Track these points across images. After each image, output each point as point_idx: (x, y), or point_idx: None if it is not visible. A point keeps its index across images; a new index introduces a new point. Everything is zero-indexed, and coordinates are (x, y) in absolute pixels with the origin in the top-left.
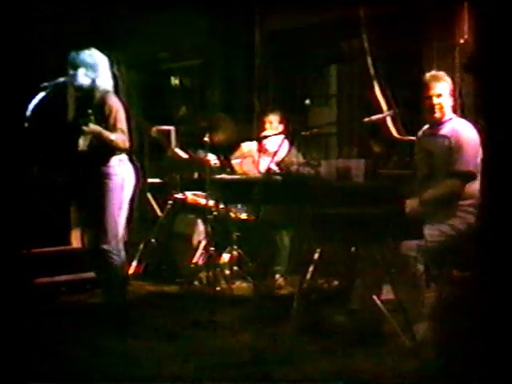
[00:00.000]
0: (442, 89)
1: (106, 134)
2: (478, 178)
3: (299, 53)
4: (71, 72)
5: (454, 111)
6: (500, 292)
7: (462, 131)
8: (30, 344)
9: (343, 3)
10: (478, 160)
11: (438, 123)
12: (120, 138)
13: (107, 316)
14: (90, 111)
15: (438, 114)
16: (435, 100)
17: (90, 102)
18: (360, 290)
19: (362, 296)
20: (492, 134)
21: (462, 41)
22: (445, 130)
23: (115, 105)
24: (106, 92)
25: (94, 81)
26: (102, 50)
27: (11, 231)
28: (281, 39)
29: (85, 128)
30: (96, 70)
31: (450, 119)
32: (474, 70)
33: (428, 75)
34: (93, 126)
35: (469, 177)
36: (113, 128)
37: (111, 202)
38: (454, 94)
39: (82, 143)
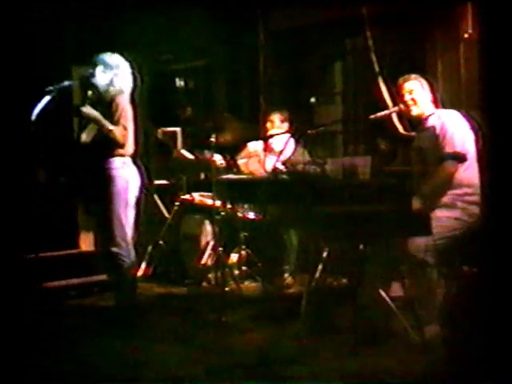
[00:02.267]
0: (412, 86)
1: (105, 122)
2: (475, 166)
3: (303, 51)
4: (90, 70)
5: (438, 106)
6: (507, 288)
7: (445, 118)
8: (39, 347)
9: (346, 1)
10: (467, 144)
11: (423, 119)
12: (119, 131)
13: (117, 318)
14: (89, 93)
15: (414, 111)
16: (407, 96)
17: (103, 101)
18: (369, 287)
19: (371, 294)
20: (494, 126)
21: (465, 36)
22: (429, 123)
23: (122, 103)
24: (120, 92)
25: (111, 80)
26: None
27: (19, 235)
28: (285, 38)
29: (82, 108)
30: (114, 70)
31: (433, 113)
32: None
33: (400, 79)
34: (90, 109)
35: (457, 158)
36: (116, 122)
37: (117, 204)
38: (433, 91)
39: (85, 137)
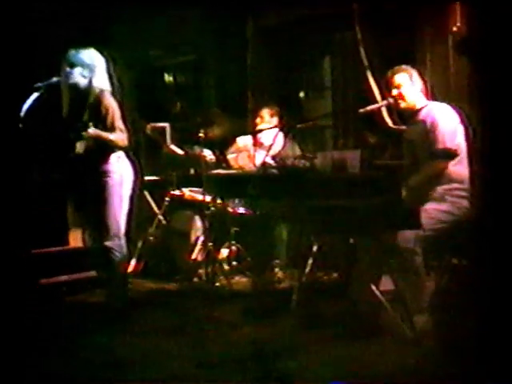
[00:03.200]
0: (400, 79)
1: (105, 135)
2: (465, 161)
3: (292, 46)
4: (67, 70)
5: (428, 98)
6: (498, 281)
7: (436, 113)
8: (31, 344)
9: None
10: (457, 139)
11: (415, 111)
12: (119, 137)
13: (108, 315)
14: (89, 123)
15: (402, 104)
16: (394, 91)
17: (85, 101)
18: (359, 281)
19: (361, 287)
20: (485, 121)
21: (454, 29)
22: (420, 116)
23: (111, 104)
24: (101, 91)
25: (90, 80)
26: (95, 48)
27: (10, 232)
28: (274, 33)
29: (84, 134)
30: (93, 69)
31: (425, 106)
32: (466, 53)
33: (389, 71)
34: (92, 131)
35: (448, 155)
36: (111, 127)
37: (111, 199)
38: (424, 83)
39: (79, 146)
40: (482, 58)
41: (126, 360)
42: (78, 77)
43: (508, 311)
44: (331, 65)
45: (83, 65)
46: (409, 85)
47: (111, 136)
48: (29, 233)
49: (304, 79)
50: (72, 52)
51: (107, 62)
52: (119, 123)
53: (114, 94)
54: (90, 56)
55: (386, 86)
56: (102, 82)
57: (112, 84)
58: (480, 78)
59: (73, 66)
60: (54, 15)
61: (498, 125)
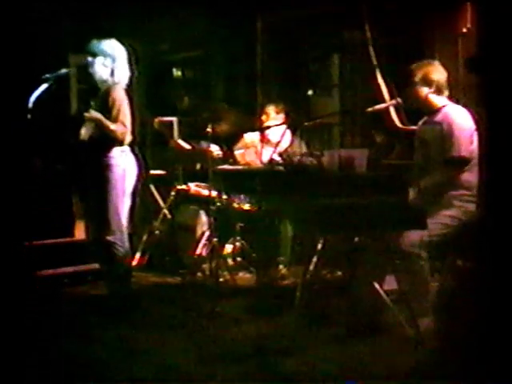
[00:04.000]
0: (422, 75)
1: (106, 122)
2: (475, 166)
3: (301, 43)
4: (89, 59)
5: (450, 98)
6: (503, 283)
7: (454, 117)
8: (32, 336)
9: None
10: (473, 146)
11: (433, 111)
12: (120, 129)
13: (110, 307)
14: (92, 103)
15: (420, 102)
16: (412, 88)
17: (97, 91)
18: (363, 280)
19: (365, 286)
20: (493, 124)
21: (464, 30)
22: (438, 117)
23: (119, 97)
24: (115, 84)
25: (111, 71)
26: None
27: (14, 223)
28: (282, 30)
29: (86, 114)
30: (114, 59)
31: (444, 106)
32: (476, 69)
33: (413, 65)
34: (94, 113)
35: (462, 163)
36: (115, 119)
37: (113, 193)
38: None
39: (84, 133)
40: (492, 77)
41: (127, 352)
42: (100, 66)
43: (510, 312)
44: (340, 63)
45: (105, 55)
46: (432, 80)
47: (112, 126)
48: (31, 224)
49: (312, 77)
50: (94, 42)
51: (128, 53)
52: (123, 117)
53: (129, 87)
54: (112, 46)
55: (408, 79)
56: (120, 73)
57: (130, 76)
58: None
59: (95, 55)
60: (60, 10)
61: (506, 127)
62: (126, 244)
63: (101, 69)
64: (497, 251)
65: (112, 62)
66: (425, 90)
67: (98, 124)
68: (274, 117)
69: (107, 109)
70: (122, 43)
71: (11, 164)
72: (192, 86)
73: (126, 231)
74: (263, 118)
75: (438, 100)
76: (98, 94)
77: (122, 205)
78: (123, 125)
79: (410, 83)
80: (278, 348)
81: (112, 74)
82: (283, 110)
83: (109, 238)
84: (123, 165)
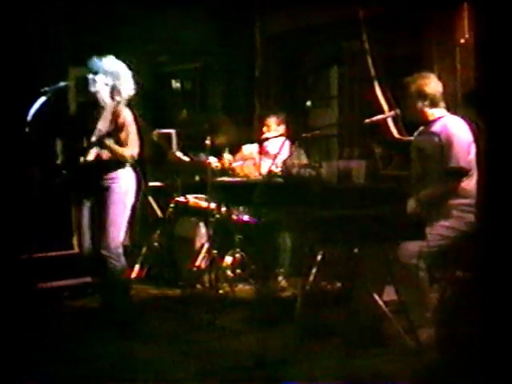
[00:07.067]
0: (418, 87)
1: (119, 149)
2: (474, 175)
3: (299, 55)
4: (90, 77)
5: (447, 109)
6: (502, 292)
7: (452, 128)
8: (32, 348)
9: (343, 4)
10: (470, 156)
11: (430, 121)
12: (128, 153)
13: (109, 320)
14: (105, 135)
15: (417, 113)
16: (410, 98)
17: (101, 109)
18: (362, 291)
19: (364, 297)
20: (491, 133)
21: (462, 41)
22: (435, 127)
23: (128, 120)
24: (118, 102)
25: (111, 88)
26: (103, 55)
27: (14, 236)
28: (281, 41)
29: (98, 144)
30: (116, 77)
31: (442, 117)
32: (474, 104)
33: (408, 78)
34: (107, 143)
35: (461, 173)
36: (124, 142)
37: (114, 208)
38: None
39: (90, 154)
40: (490, 112)
41: (126, 365)
42: (101, 84)
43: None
44: (338, 74)
45: (106, 73)
46: (426, 93)
47: (125, 152)
48: (31, 236)
49: (311, 88)
50: (95, 59)
51: (130, 70)
52: (132, 141)
53: (131, 104)
54: (113, 64)
55: (404, 90)
56: (121, 91)
57: (132, 93)
58: (488, 90)
59: (96, 73)
60: (58, 19)
61: (504, 136)
62: (122, 258)
63: (102, 87)
64: (496, 261)
65: (113, 80)
66: (420, 103)
67: (110, 151)
68: (274, 128)
69: (115, 129)
70: (123, 60)
71: (11, 177)
72: (190, 97)
73: (122, 245)
74: (264, 129)
75: (435, 111)
76: (100, 111)
77: (122, 220)
78: (133, 146)
79: (406, 96)
80: (279, 359)
81: (113, 91)
82: (284, 121)
83: (104, 252)
84: (125, 185)
